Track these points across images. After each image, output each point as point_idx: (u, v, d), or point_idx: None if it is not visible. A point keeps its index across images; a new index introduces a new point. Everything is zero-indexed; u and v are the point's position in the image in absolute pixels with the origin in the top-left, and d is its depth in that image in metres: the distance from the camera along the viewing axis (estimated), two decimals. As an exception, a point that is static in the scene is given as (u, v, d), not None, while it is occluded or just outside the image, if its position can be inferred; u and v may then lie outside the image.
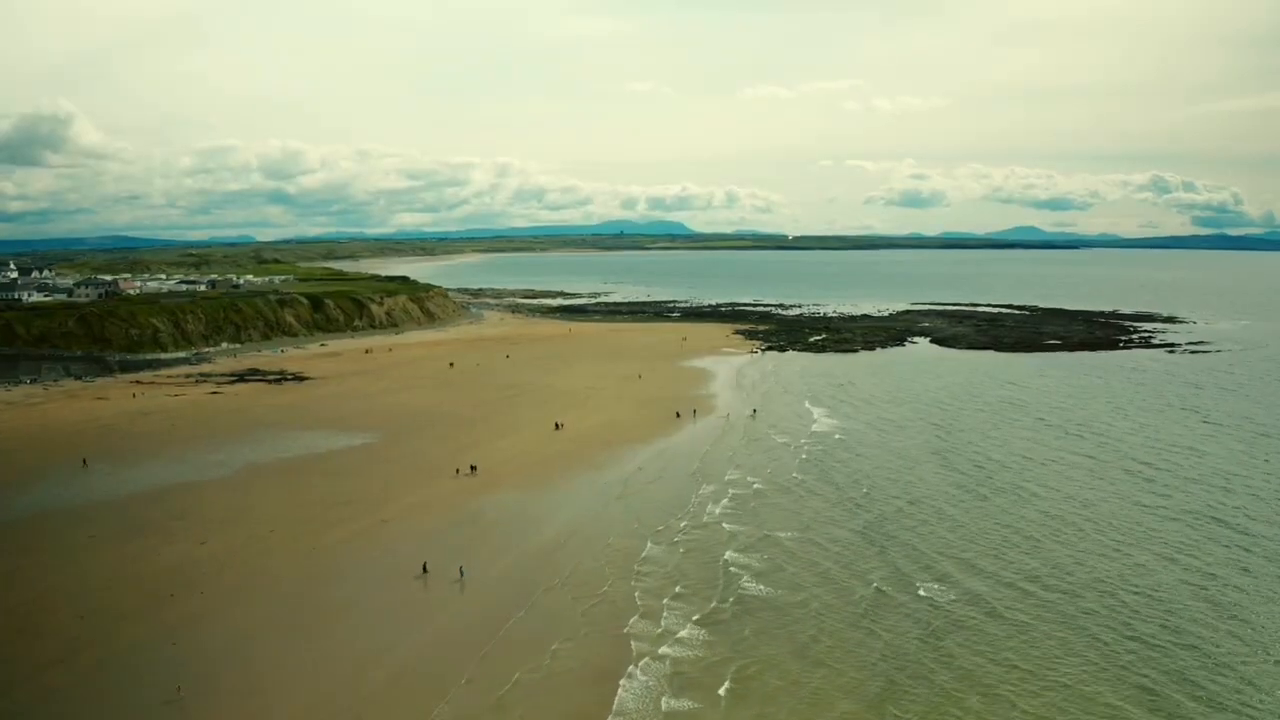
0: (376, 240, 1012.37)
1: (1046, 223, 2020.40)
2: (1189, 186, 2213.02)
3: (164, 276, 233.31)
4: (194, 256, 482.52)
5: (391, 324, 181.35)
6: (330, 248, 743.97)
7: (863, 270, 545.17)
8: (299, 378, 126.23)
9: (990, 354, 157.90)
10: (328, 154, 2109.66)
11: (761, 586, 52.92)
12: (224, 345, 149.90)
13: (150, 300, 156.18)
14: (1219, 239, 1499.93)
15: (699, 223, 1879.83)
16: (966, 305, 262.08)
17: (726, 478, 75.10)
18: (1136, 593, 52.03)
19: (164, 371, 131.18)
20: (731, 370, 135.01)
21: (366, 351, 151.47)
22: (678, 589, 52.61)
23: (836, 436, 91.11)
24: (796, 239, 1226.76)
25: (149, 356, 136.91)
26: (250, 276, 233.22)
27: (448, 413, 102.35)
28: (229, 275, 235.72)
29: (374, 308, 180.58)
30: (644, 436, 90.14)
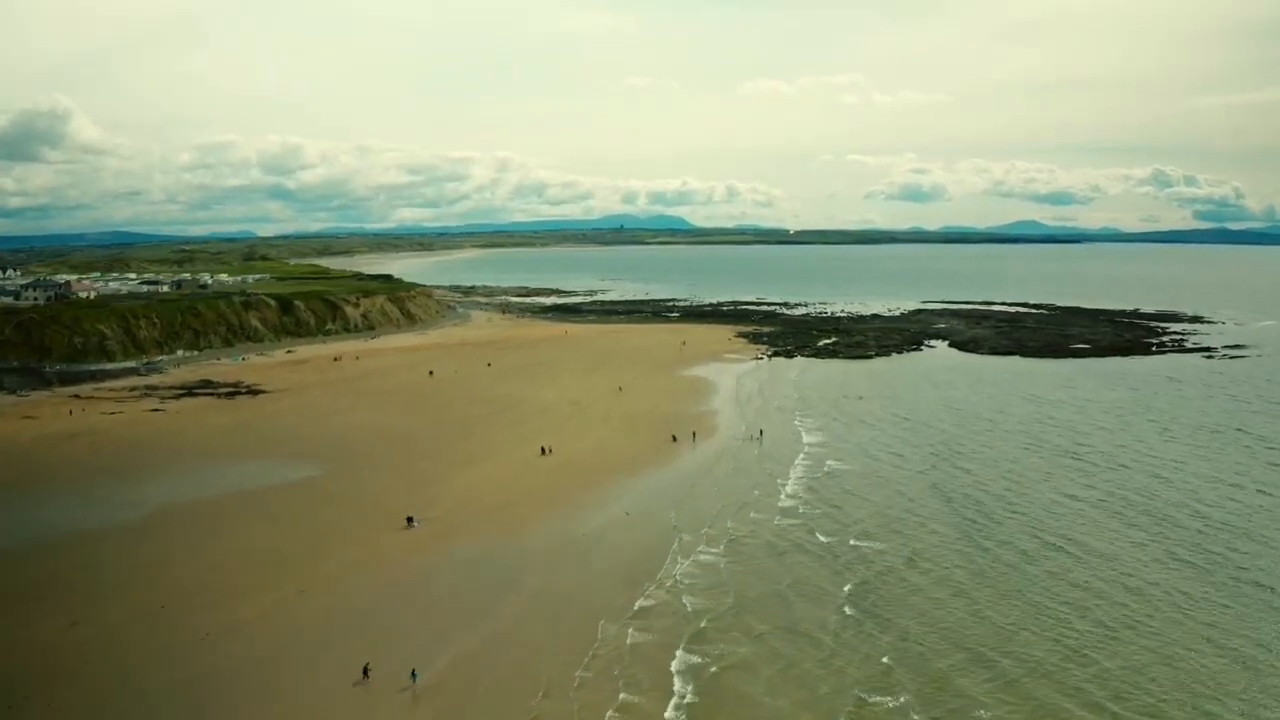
0: (375, 236, 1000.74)
1: (1048, 217, 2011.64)
2: (1190, 181, 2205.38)
3: (133, 277, 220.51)
4: (184, 253, 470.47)
5: (368, 327, 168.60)
6: (326, 243, 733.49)
7: (866, 266, 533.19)
8: (253, 391, 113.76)
9: (1014, 360, 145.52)
10: (327, 149, 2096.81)
11: (719, 696, 40.56)
12: (180, 353, 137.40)
13: (100, 304, 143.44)
14: (1220, 233, 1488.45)
15: (700, 217, 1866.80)
16: (981, 304, 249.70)
17: (704, 530, 61.99)
18: (1196, 710, 39.39)
19: (108, 384, 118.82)
20: (734, 380, 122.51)
21: (335, 359, 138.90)
22: (622, 697, 40.50)
23: (832, 467, 78.05)
24: (798, 234, 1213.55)
25: (93, 367, 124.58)
26: (224, 275, 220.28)
27: (411, 435, 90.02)
28: (199, 275, 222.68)
29: (349, 309, 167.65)
30: (631, 467, 77.68)
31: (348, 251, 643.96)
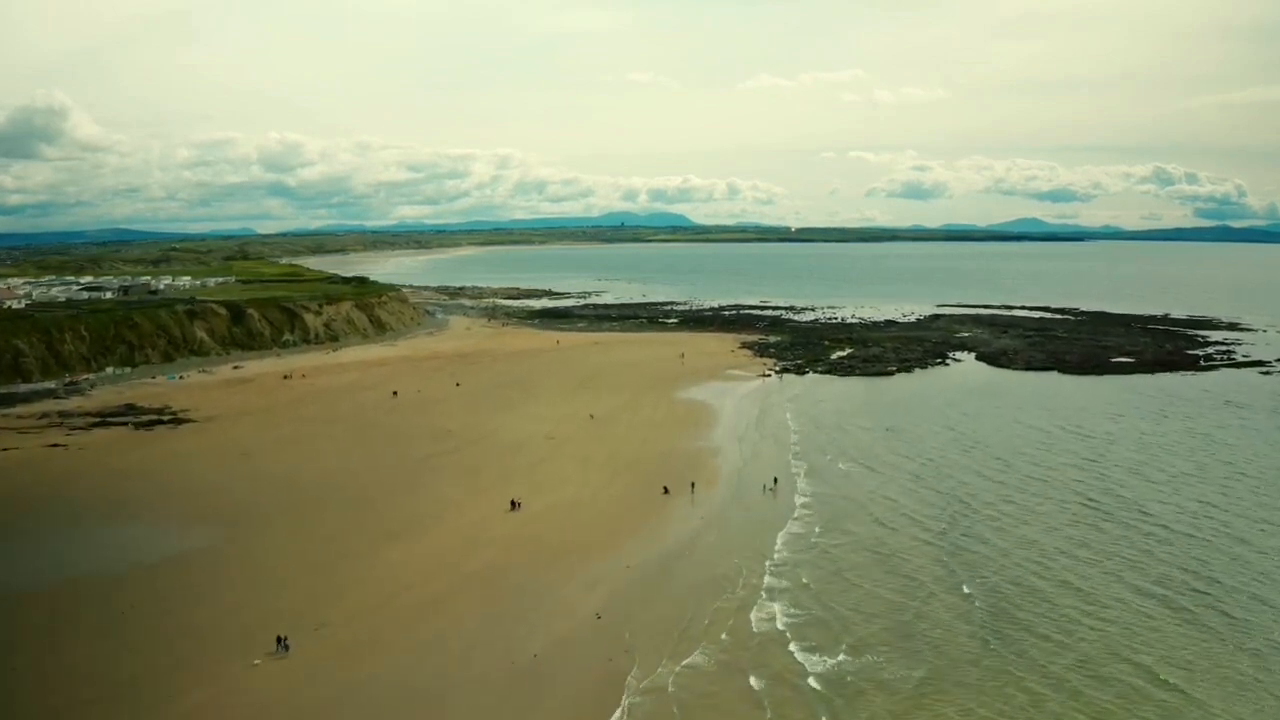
0: (375, 233, 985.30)
1: (1049, 214, 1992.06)
2: (1192, 179, 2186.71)
3: (85, 279, 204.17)
4: (170, 251, 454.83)
5: (330, 337, 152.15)
6: (321, 241, 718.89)
7: (871, 264, 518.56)
8: (178, 420, 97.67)
9: (1052, 377, 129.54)
10: (327, 146, 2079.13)
11: None
12: (110, 370, 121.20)
13: (23, 315, 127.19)
14: (1222, 231, 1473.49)
15: (700, 215, 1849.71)
16: (1001, 308, 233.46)
17: (670, 648, 45.45)
18: None
19: (19, 408, 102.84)
20: (739, 405, 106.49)
21: (285, 377, 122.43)
22: None
23: (831, 539, 61.90)
24: (799, 231, 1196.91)
25: (4, 389, 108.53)
26: (187, 278, 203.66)
27: (345, 483, 73.96)
28: (159, 277, 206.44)
29: (309, 318, 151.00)
30: (608, 537, 61.41)
31: (342, 250, 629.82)
